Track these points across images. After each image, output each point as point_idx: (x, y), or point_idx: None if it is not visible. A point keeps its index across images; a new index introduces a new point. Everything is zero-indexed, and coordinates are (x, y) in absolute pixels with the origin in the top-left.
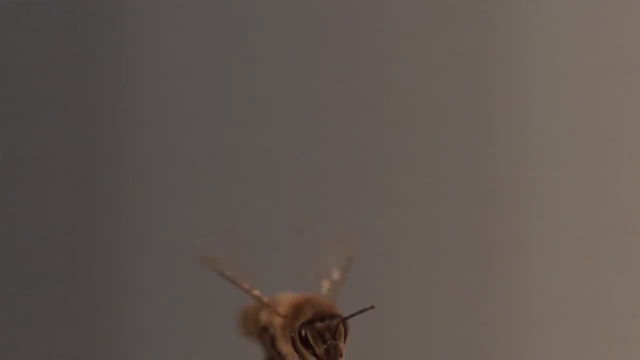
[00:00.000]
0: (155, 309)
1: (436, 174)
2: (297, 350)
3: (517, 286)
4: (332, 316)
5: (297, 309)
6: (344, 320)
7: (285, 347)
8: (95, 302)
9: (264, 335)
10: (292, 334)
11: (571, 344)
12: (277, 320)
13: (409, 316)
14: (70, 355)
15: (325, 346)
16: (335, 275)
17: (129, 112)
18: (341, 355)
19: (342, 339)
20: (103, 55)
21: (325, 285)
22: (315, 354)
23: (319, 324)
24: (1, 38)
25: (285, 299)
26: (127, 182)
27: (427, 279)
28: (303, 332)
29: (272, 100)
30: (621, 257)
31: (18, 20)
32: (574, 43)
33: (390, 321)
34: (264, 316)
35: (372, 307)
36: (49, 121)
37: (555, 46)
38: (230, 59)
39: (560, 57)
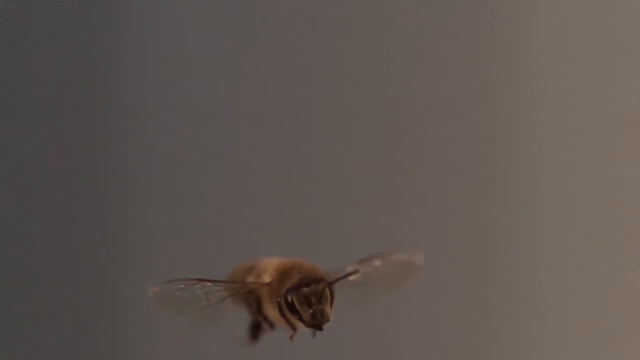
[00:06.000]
0: (155, 309)
1: (439, 175)
2: (283, 315)
3: (520, 287)
4: (318, 281)
5: (283, 274)
6: (330, 285)
7: (271, 312)
8: (95, 302)
9: (251, 299)
10: (279, 299)
11: (573, 344)
12: (263, 285)
13: (412, 316)
14: (70, 356)
15: (312, 311)
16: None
17: (129, 112)
18: (328, 320)
19: (329, 304)
20: (103, 55)
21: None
22: (301, 319)
23: (305, 289)
24: (1, 38)
25: (271, 263)
26: (127, 182)
27: (429, 279)
28: (289, 297)
29: (273, 99)
30: (625, 257)
31: (18, 20)
32: (575, 43)
33: (391, 322)
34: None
35: (357, 271)
36: (49, 121)
37: (556, 46)
38: (230, 58)
39: (562, 56)
